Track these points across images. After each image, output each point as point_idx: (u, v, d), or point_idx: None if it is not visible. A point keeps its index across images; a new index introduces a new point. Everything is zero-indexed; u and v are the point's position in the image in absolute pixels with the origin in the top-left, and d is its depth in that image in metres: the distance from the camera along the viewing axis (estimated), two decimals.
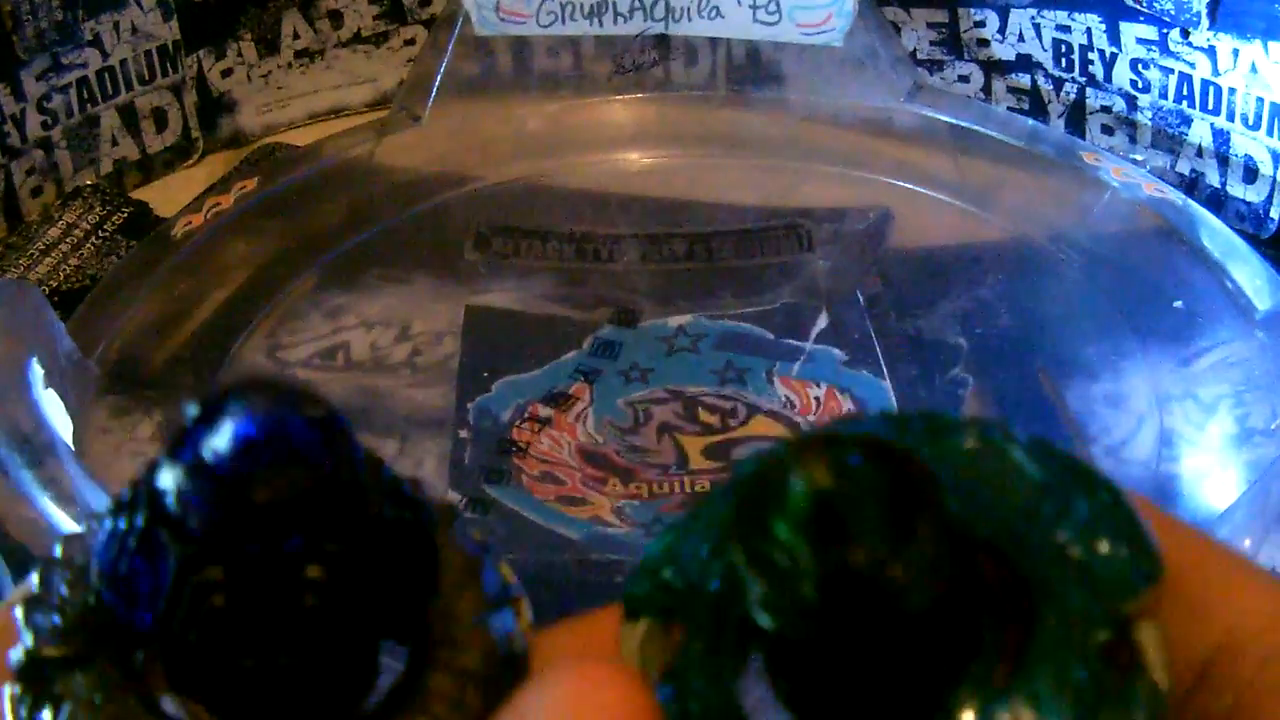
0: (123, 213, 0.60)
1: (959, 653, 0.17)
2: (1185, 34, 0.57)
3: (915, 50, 0.64)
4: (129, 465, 0.45)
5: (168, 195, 0.62)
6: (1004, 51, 0.63)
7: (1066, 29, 0.61)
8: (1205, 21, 0.56)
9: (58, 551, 0.19)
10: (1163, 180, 0.57)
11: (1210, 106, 0.57)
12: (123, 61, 0.61)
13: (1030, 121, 0.61)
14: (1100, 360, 0.49)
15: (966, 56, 0.64)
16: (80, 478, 0.40)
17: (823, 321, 0.52)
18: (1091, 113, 0.62)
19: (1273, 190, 0.56)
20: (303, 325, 0.53)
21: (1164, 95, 0.59)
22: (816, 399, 0.49)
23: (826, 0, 0.59)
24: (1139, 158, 0.60)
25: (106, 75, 0.61)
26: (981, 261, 0.55)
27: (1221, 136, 0.57)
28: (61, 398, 0.44)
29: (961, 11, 0.63)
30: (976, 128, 0.60)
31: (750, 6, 0.60)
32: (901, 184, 0.59)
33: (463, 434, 0.48)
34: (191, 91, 0.64)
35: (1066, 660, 0.17)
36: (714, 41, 0.63)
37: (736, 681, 0.18)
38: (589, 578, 0.43)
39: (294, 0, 0.65)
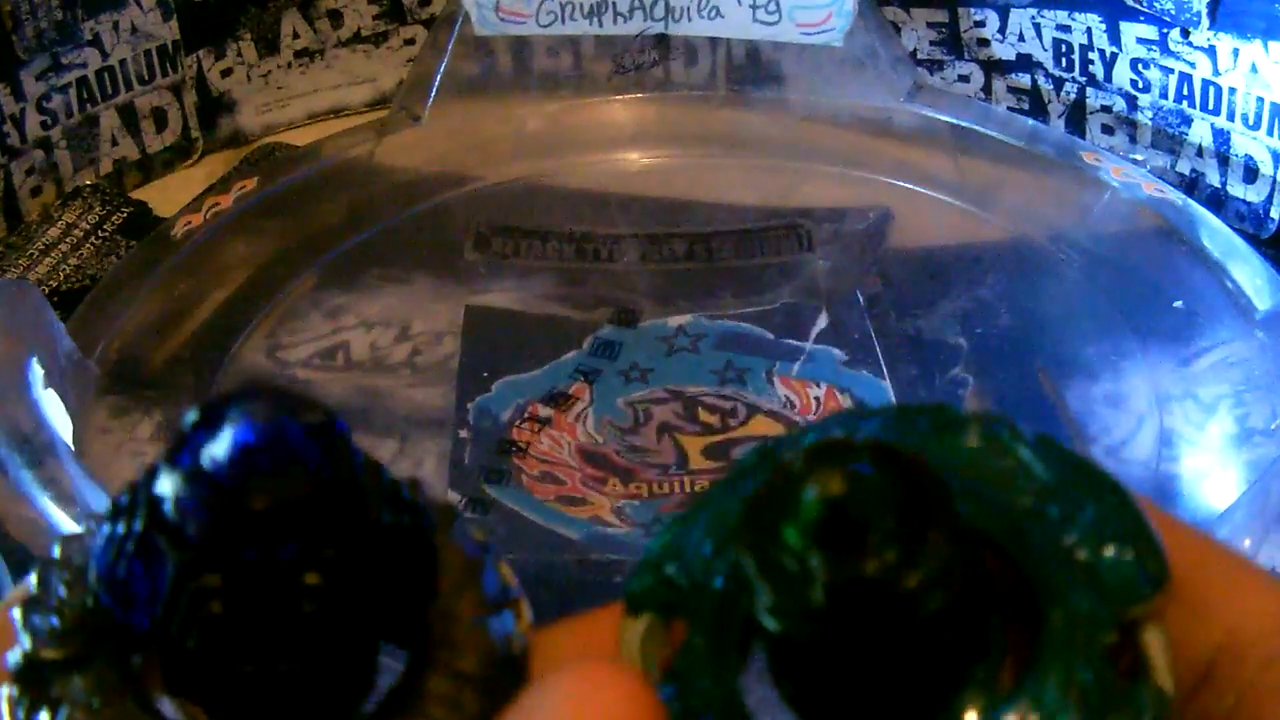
0: (122, 213, 0.60)
1: (965, 655, 0.17)
2: (1185, 34, 0.57)
3: (915, 50, 0.64)
4: (129, 465, 0.45)
5: (167, 195, 0.62)
6: (1004, 51, 0.63)
7: (1067, 29, 0.61)
8: (1205, 21, 0.55)
9: (56, 552, 0.19)
10: (1163, 180, 0.57)
11: (1210, 106, 0.57)
12: (122, 61, 0.61)
13: (1030, 121, 0.61)
14: (1100, 360, 0.49)
15: (966, 56, 0.64)
16: (80, 478, 0.40)
17: (823, 321, 0.52)
18: (1092, 112, 0.62)
19: (1273, 190, 0.56)
20: (303, 325, 0.53)
21: (1164, 95, 0.59)
22: (816, 399, 0.49)
23: (826, 0, 0.59)
24: (1139, 158, 0.60)
25: (106, 75, 0.61)
26: (981, 261, 0.55)
27: (1222, 136, 0.57)
28: (61, 398, 0.44)
29: (961, 11, 0.63)
30: (976, 128, 0.60)
31: (750, 6, 0.60)
32: (901, 184, 0.59)
33: (463, 434, 0.48)
34: (191, 91, 0.64)
35: (1072, 663, 0.17)
36: (714, 41, 0.63)
37: (739, 680, 0.18)
38: (589, 578, 0.43)
39: (294, 0, 0.65)
